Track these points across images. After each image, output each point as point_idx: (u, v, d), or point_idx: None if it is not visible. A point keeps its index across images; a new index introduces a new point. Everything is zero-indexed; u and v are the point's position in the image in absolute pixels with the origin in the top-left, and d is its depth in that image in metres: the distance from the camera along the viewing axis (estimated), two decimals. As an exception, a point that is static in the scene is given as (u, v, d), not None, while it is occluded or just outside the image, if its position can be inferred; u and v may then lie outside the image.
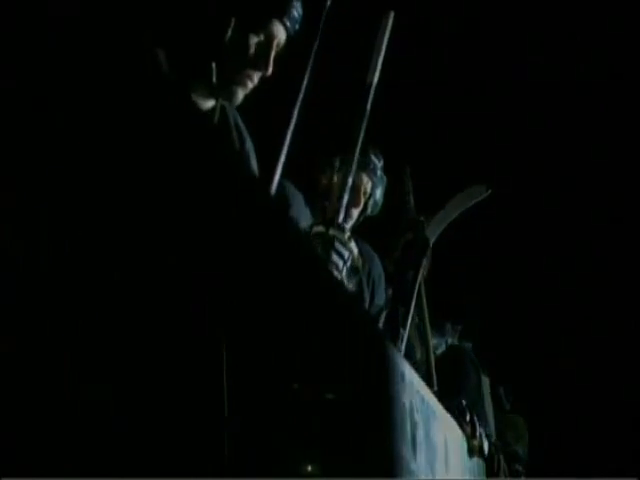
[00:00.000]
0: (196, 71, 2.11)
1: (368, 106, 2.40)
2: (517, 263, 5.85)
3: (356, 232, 2.90)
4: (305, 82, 2.26)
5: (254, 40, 2.11)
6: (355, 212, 2.99)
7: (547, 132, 5.71)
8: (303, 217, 2.54)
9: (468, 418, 2.98)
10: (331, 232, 2.19)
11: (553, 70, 5.56)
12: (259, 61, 2.12)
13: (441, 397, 2.55)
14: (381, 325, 2.97)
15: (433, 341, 3.61)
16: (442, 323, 4.10)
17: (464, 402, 3.04)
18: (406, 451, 1.99)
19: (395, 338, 2.90)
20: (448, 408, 2.69)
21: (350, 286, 2.29)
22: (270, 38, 2.13)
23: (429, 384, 2.70)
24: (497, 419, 4.31)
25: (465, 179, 3.79)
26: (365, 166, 2.97)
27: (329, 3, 2.34)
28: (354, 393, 1.68)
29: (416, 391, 2.16)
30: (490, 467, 3.25)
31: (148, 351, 1.17)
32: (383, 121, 2.56)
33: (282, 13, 2.13)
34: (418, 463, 2.08)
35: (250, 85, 2.15)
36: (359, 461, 1.67)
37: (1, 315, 1.03)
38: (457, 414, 2.91)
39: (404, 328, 3.00)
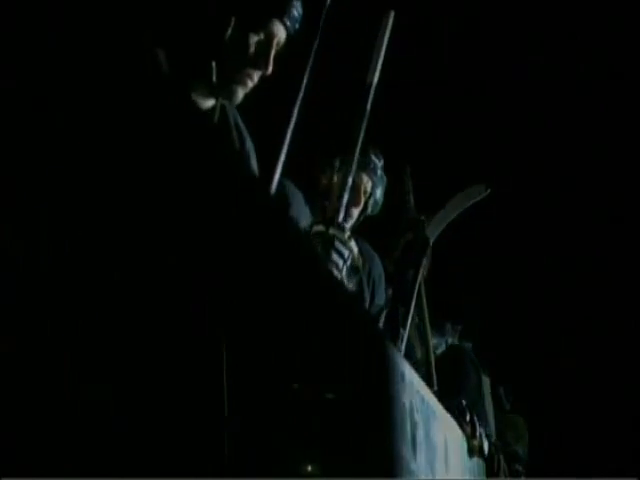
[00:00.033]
0: (196, 70, 2.11)
1: (368, 106, 2.40)
2: (517, 263, 5.85)
3: (356, 232, 2.90)
4: (305, 81, 2.26)
5: (254, 39, 2.11)
6: (355, 212, 2.99)
7: (547, 132, 5.71)
8: (303, 216, 2.54)
9: (468, 418, 2.98)
10: (331, 231, 2.19)
11: (553, 70, 5.56)
12: (259, 60, 2.12)
13: (441, 397, 2.55)
14: (381, 325, 2.97)
15: (433, 341, 3.61)
16: (442, 323, 4.10)
17: (464, 402, 3.04)
18: (406, 451, 1.99)
19: (395, 338, 2.90)
20: (448, 408, 2.69)
21: (350, 286, 2.29)
22: (270, 37, 2.13)
23: (429, 384, 2.70)
24: (497, 419, 4.31)
25: (465, 179, 3.79)
26: (365, 166, 2.97)
27: (329, 2, 2.34)
28: (354, 393, 1.68)
29: (416, 391, 2.16)
30: (490, 467, 3.25)
31: (148, 351, 1.17)
32: (383, 121, 2.56)
33: (282, 12, 2.13)
34: (418, 463, 2.08)
35: (250, 84, 2.14)
36: (359, 461, 1.67)
37: (1, 315, 1.03)
38: (457, 414, 2.91)
39: (404, 328, 3.00)
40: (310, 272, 1.71)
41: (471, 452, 3.00)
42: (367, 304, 3.01)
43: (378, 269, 3.11)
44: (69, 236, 1.12)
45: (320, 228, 2.20)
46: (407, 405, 2.04)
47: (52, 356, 1.07)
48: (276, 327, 1.43)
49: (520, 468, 4.24)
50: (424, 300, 3.40)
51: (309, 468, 1.44)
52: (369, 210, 3.07)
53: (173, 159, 1.30)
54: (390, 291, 3.17)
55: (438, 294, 3.62)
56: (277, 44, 2.14)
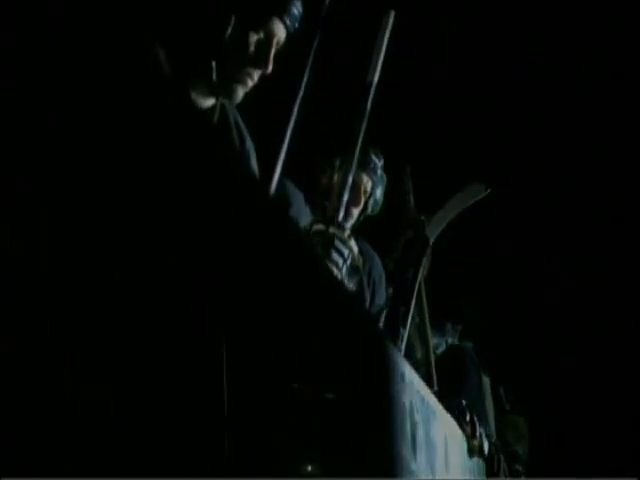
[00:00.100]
0: (196, 69, 2.11)
1: (368, 105, 2.40)
2: (517, 263, 5.85)
3: (356, 231, 2.90)
4: (305, 81, 2.26)
5: (254, 38, 2.11)
6: (355, 211, 2.99)
7: (547, 132, 5.71)
8: (303, 216, 2.54)
9: (468, 418, 2.98)
10: (331, 230, 2.19)
11: (553, 70, 5.56)
12: (259, 59, 2.12)
13: (441, 397, 2.55)
14: (381, 325, 2.97)
15: (433, 341, 3.61)
16: (442, 323, 4.10)
17: (464, 402, 3.04)
18: (406, 451, 1.99)
19: (395, 338, 2.90)
20: (448, 408, 2.69)
21: (350, 285, 2.29)
22: (270, 36, 2.13)
23: (429, 384, 2.70)
24: (497, 419, 4.31)
25: (465, 179, 3.79)
26: (365, 165, 2.97)
27: (329, 1, 2.34)
28: (354, 393, 1.68)
29: (416, 391, 2.16)
30: (490, 467, 3.25)
31: (148, 351, 1.16)
32: (383, 121, 2.56)
33: (282, 11, 2.13)
34: (418, 463, 2.08)
35: (250, 83, 2.14)
36: (359, 461, 1.67)
37: (1, 315, 1.03)
38: (457, 414, 2.91)
39: (404, 327, 3.00)
40: (310, 272, 1.71)
41: (471, 452, 3.00)
42: (367, 304, 3.01)
43: (378, 269, 3.11)
44: (69, 236, 1.12)
45: (320, 227, 2.20)
46: (407, 405, 2.04)
47: (52, 356, 1.06)
48: (276, 327, 1.43)
49: (520, 468, 4.24)
50: (424, 300, 3.40)
51: (309, 468, 1.44)
52: (369, 210, 3.07)
53: (173, 159, 1.30)
54: (390, 291, 3.17)
55: (438, 294, 3.62)
56: (277, 43, 2.14)
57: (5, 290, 1.04)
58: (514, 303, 5.73)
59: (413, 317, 3.13)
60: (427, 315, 3.43)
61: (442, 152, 5.24)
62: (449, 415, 2.73)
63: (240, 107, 2.25)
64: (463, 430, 2.95)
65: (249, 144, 2.28)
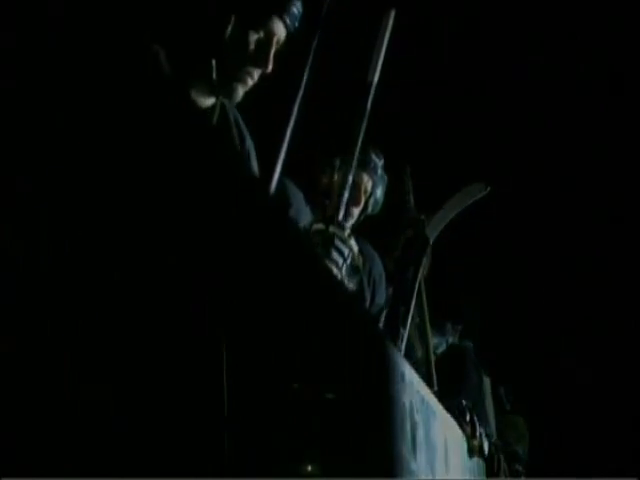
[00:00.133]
0: (196, 68, 2.11)
1: (368, 105, 2.40)
2: (517, 262, 5.85)
3: (356, 231, 2.90)
4: (305, 80, 2.26)
5: (254, 37, 2.11)
6: (356, 211, 2.99)
7: (547, 132, 5.71)
8: (303, 216, 2.54)
9: (468, 418, 2.98)
10: (331, 229, 2.19)
11: (553, 70, 5.56)
12: (259, 58, 2.12)
13: (441, 397, 2.55)
14: (381, 324, 2.97)
15: (434, 340, 3.61)
16: (442, 323, 4.10)
17: (464, 402, 3.04)
18: (406, 451, 1.99)
19: (395, 338, 2.90)
20: (448, 408, 2.69)
21: (351, 285, 2.29)
22: (270, 35, 2.13)
23: (429, 384, 2.70)
24: (498, 419, 4.31)
25: (465, 179, 3.79)
26: (366, 165, 2.97)
27: (329, 1, 2.34)
28: (354, 393, 1.68)
29: (416, 391, 2.16)
30: (490, 467, 3.25)
31: (148, 351, 1.16)
32: (383, 120, 2.56)
33: (282, 10, 2.13)
34: (418, 463, 2.08)
35: (250, 82, 2.14)
36: (359, 461, 1.67)
37: (1, 315, 1.03)
38: (457, 414, 2.91)
39: (404, 327, 3.00)
40: (310, 272, 1.71)
41: (471, 452, 3.00)
42: (367, 304, 3.01)
43: (378, 268, 3.11)
44: (69, 236, 1.12)
45: (320, 226, 2.20)
46: (407, 405, 2.04)
47: (52, 356, 1.06)
48: (276, 327, 1.43)
49: (520, 468, 4.24)
50: (424, 299, 3.40)
51: (309, 468, 1.44)
52: (369, 209, 3.07)
53: (173, 159, 1.30)
54: (390, 290, 3.17)
55: (438, 294, 3.62)
56: (277, 42, 2.14)
57: (5, 290, 1.04)
58: (514, 303, 5.73)
59: (413, 317, 3.13)
60: (427, 315, 3.43)
61: (442, 152, 5.23)
62: (449, 415, 2.73)
63: (240, 106, 2.25)
64: (463, 430, 2.96)
65: (249, 143, 2.28)
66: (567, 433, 5.85)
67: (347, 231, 2.27)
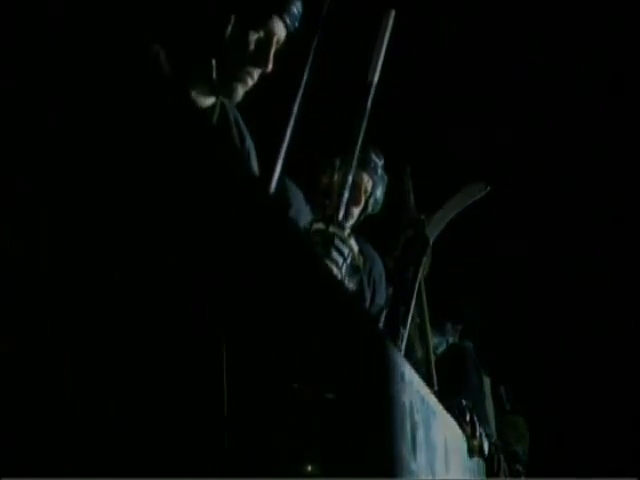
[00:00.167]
0: (196, 68, 2.11)
1: (368, 105, 2.40)
2: (517, 262, 5.85)
3: (357, 231, 2.90)
4: (305, 80, 2.26)
5: (254, 37, 2.11)
6: (356, 211, 2.99)
7: (547, 132, 5.71)
8: (303, 216, 2.54)
9: (468, 418, 2.97)
10: (331, 229, 2.19)
11: (553, 70, 5.56)
12: (259, 58, 2.12)
13: (441, 397, 2.55)
14: (381, 324, 2.97)
15: (434, 340, 3.61)
16: (442, 323, 4.10)
17: (464, 402, 3.04)
18: (406, 451, 1.99)
19: (395, 337, 2.90)
20: (448, 408, 2.69)
21: (351, 285, 2.29)
22: (270, 35, 2.13)
23: (429, 384, 2.70)
24: (498, 419, 4.31)
25: (465, 179, 3.79)
26: (366, 165, 2.97)
27: (329, 0, 2.34)
28: (354, 393, 1.68)
29: (416, 391, 2.16)
30: (490, 467, 3.25)
31: (148, 351, 1.16)
32: (383, 120, 2.56)
33: (282, 10, 2.13)
34: (418, 463, 2.08)
35: (250, 82, 2.14)
36: (359, 461, 1.67)
37: (1, 315, 1.03)
38: (457, 414, 2.91)
39: (404, 327, 3.00)
40: (310, 272, 1.71)
41: (471, 452, 3.00)
42: (368, 304, 3.01)
43: (378, 268, 3.11)
44: (69, 236, 1.12)
45: (320, 226, 2.20)
46: (407, 405, 2.04)
47: (52, 356, 1.06)
48: (276, 327, 1.43)
49: (520, 468, 4.24)
50: (424, 299, 3.40)
51: (309, 468, 1.44)
52: (370, 209, 3.07)
53: (173, 159, 1.30)
54: (390, 290, 3.17)
55: (438, 294, 3.62)
56: (277, 42, 2.14)
57: (5, 290, 1.04)
58: (514, 303, 5.73)
59: (413, 317, 3.13)
60: (427, 315, 3.43)
61: (442, 152, 5.23)
62: (449, 415, 2.73)
63: (240, 106, 2.25)
64: (463, 430, 2.95)
65: (249, 143, 2.28)
66: (567, 433, 5.85)
67: (347, 231, 2.27)
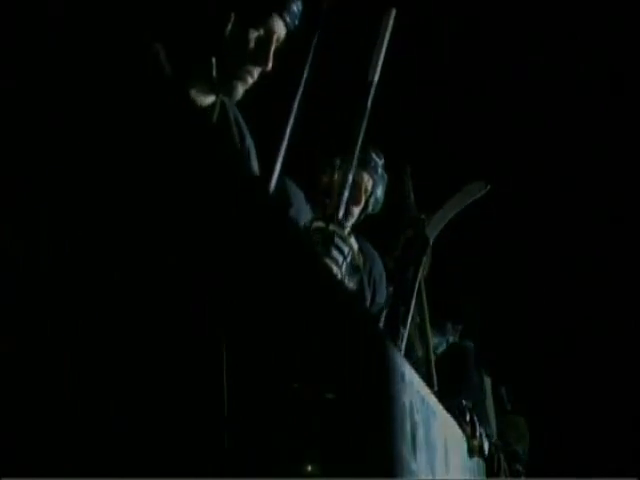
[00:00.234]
0: (196, 67, 2.11)
1: (369, 104, 2.40)
2: (517, 262, 5.85)
3: (357, 230, 2.90)
4: (305, 78, 2.26)
5: (254, 35, 2.11)
6: (356, 210, 2.99)
7: (546, 132, 5.71)
8: (304, 215, 2.54)
9: (468, 418, 2.98)
10: (331, 228, 2.19)
11: (553, 70, 5.56)
12: (259, 56, 2.11)
13: (441, 397, 2.55)
14: (381, 324, 2.97)
15: (434, 340, 3.61)
16: (443, 322, 4.10)
17: (464, 402, 3.04)
18: (406, 451, 1.99)
19: (395, 337, 2.90)
20: (448, 408, 2.69)
21: (351, 284, 2.28)
22: (270, 33, 2.12)
23: (429, 384, 2.70)
24: (498, 419, 4.31)
25: (465, 179, 3.79)
26: (366, 164, 2.97)
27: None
28: (354, 393, 1.68)
29: (416, 391, 2.16)
30: (490, 467, 3.25)
31: (148, 351, 1.16)
32: (384, 120, 2.56)
33: (282, 8, 2.13)
34: (418, 463, 2.08)
35: (250, 80, 2.14)
36: (359, 461, 1.67)
37: (1, 315, 1.03)
38: (457, 414, 2.91)
39: (404, 327, 3.00)
40: (310, 271, 1.71)
41: (471, 452, 3.00)
42: (368, 303, 3.01)
43: (379, 268, 3.11)
44: (69, 236, 1.12)
45: (320, 224, 2.20)
46: (407, 405, 2.04)
47: (52, 356, 1.06)
48: (276, 327, 1.43)
49: (520, 468, 4.24)
50: (424, 299, 3.40)
51: (309, 468, 1.44)
52: (370, 209, 3.07)
53: (173, 158, 1.30)
54: (390, 290, 3.17)
55: (438, 294, 3.62)
56: (277, 40, 2.13)
57: (5, 290, 1.04)
58: (514, 303, 5.73)
59: (413, 317, 3.13)
60: (427, 315, 3.43)
61: (442, 152, 5.23)
62: (449, 415, 2.73)
63: (240, 104, 2.25)
64: (463, 430, 2.96)
65: (249, 141, 2.28)
66: (567, 433, 5.85)
67: (347, 230, 2.27)
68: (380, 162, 3.06)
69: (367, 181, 3.02)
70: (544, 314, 5.93)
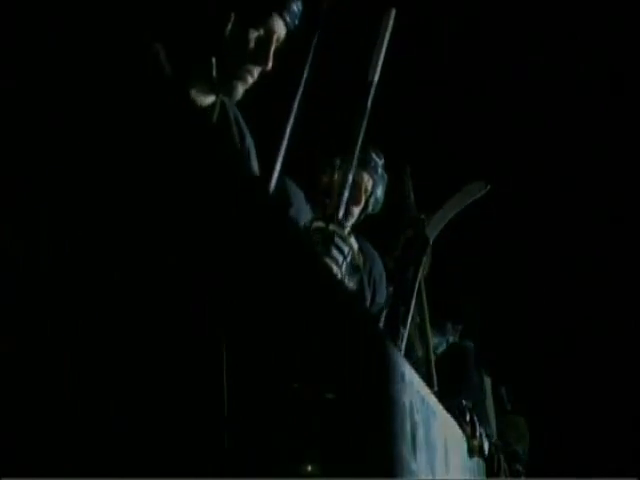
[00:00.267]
0: (196, 66, 2.11)
1: (369, 104, 2.40)
2: (517, 262, 5.85)
3: (357, 230, 2.90)
4: (305, 78, 2.26)
5: (254, 35, 2.11)
6: (356, 210, 2.99)
7: (546, 131, 5.71)
8: (304, 215, 2.54)
9: (468, 418, 2.98)
10: (331, 227, 2.19)
11: (553, 70, 5.56)
12: (259, 56, 2.11)
13: (441, 397, 2.55)
14: (381, 324, 2.97)
15: (434, 340, 3.61)
16: (443, 322, 4.10)
17: (464, 402, 3.04)
18: (406, 451, 1.99)
19: (395, 337, 2.90)
20: (448, 408, 2.69)
21: (351, 284, 2.29)
22: (270, 33, 2.12)
23: (429, 384, 2.70)
24: (499, 419, 4.32)
25: (465, 179, 3.79)
26: (366, 164, 2.97)
27: (329, -1, 2.34)
28: (354, 393, 1.68)
29: (416, 391, 2.16)
30: (490, 467, 3.25)
31: (148, 351, 1.16)
32: (384, 120, 2.56)
33: (282, 8, 2.13)
34: (418, 463, 2.08)
35: (250, 80, 2.14)
36: (359, 461, 1.67)
37: (1, 315, 1.03)
38: (457, 414, 2.91)
39: (404, 327, 3.00)
40: (310, 271, 1.71)
41: (471, 452, 3.00)
42: (368, 303, 3.01)
43: (379, 268, 3.11)
44: (69, 236, 1.11)
45: (320, 224, 2.20)
46: (407, 405, 2.04)
47: (52, 356, 1.06)
48: (276, 327, 1.43)
49: (520, 468, 4.24)
50: (424, 299, 3.40)
51: (309, 468, 1.44)
52: (370, 209, 3.07)
53: (173, 158, 1.30)
54: (390, 290, 3.17)
55: (438, 294, 3.62)
56: (277, 40, 2.13)
57: (5, 290, 1.04)
58: (514, 303, 5.73)
59: (413, 316, 3.13)
60: (427, 314, 3.43)
61: (442, 152, 5.23)
62: (449, 415, 2.73)
63: (240, 104, 2.25)
64: (463, 430, 2.95)
65: (249, 141, 2.28)
66: (567, 433, 5.85)
67: (347, 229, 2.27)
68: (380, 162, 3.06)
69: (367, 181, 3.02)
70: (544, 314, 5.93)
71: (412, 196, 3.44)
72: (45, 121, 1.14)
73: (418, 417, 2.12)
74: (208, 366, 1.24)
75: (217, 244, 1.32)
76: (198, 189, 1.32)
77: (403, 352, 2.84)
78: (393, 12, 2.47)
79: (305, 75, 2.26)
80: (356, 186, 2.82)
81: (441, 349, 4.11)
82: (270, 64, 2.12)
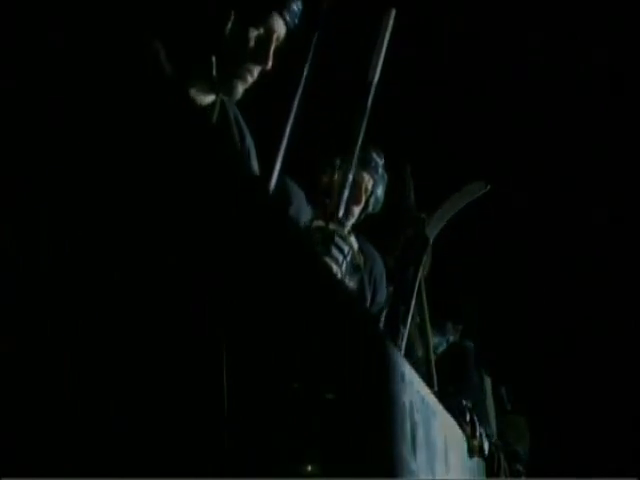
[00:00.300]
0: (196, 66, 2.10)
1: (369, 104, 2.40)
2: (517, 262, 5.85)
3: (357, 230, 2.90)
4: (305, 77, 2.26)
5: (254, 34, 2.11)
6: (356, 210, 2.99)
7: (546, 131, 5.71)
8: (304, 215, 2.54)
9: (468, 418, 2.98)
10: (331, 227, 2.19)
11: (553, 70, 5.56)
12: (259, 55, 2.11)
13: (441, 397, 2.55)
14: (382, 324, 2.97)
15: (434, 340, 3.61)
16: (443, 322, 4.10)
17: (464, 402, 3.04)
18: (406, 451, 1.99)
19: (395, 337, 2.90)
20: (448, 408, 2.69)
21: (351, 284, 2.29)
22: (270, 32, 2.12)
23: (429, 384, 2.70)
24: (499, 419, 4.32)
25: (465, 178, 3.79)
26: (366, 164, 2.96)
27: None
28: (354, 393, 1.68)
29: (416, 391, 2.16)
30: (490, 467, 3.25)
31: (148, 351, 1.16)
32: (384, 119, 2.56)
33: (282, 7, 2.13)
34: (418, 463, 2.08)
35: (250, 79, 2.14)
36: (359, 461, 1.67)
37: (1, 315, 1.03)
38: (457, 414, 2.91)
39: (404, 327, 3.00)
40: (310, 271, 1.71)
41: (471, 452, 3.00)
42: (368, 303, 3.01)
43: (379, 267, 3.11)
44: (69, 236, 1.11)
45: (320, 223, 2.20)
46: (407, 405, 2.04)
47: (52, 356, 1.06)
48: (276, 327, 1.43)
49: (520, 468, 4.24)
50: (424, 299, 3.40)
51: (309, 468, 1.44)
52: (370, 208, 3.06)
53: (173, 157, 1.30)
54: (390, 289, 3.17)
55: (438, 293, 3.62)
56: (277, 39, 2.13)
57: (5, 290, 1.04)
58: (514, 303, 5.73)
59: (413, 316, 3.13)
60: (427, 314, 3.43)
61: (442, 152, 5.23)
62: (449, 415, 2.73)
63: (240, 104, 2.24)
64: (463, 430, 2.95)
65: (249, 141, 2.28)
66: (567, 433, 5.85)
67: (347, 229, 2.28)
68: (380, 162, 3.06)
69: (367, 181, 3.01)
70: (544, 314, 5.92)
71: (412, 196, 3.44)
72: (45, 121, 1.14)
73: (418, 417, 2.12)
74: (208, 366, 1.24)
75: (217, 244, 1.32)
76: (198, 189, 1.32)
77: (403, 352, 2.84)
78: (393, 12, 2.47)
79: (305, 75, 2.26)
80: (356, 186, 2.82)
81: (441, 349, 4.11)
82: (270, 63, 2.12)
